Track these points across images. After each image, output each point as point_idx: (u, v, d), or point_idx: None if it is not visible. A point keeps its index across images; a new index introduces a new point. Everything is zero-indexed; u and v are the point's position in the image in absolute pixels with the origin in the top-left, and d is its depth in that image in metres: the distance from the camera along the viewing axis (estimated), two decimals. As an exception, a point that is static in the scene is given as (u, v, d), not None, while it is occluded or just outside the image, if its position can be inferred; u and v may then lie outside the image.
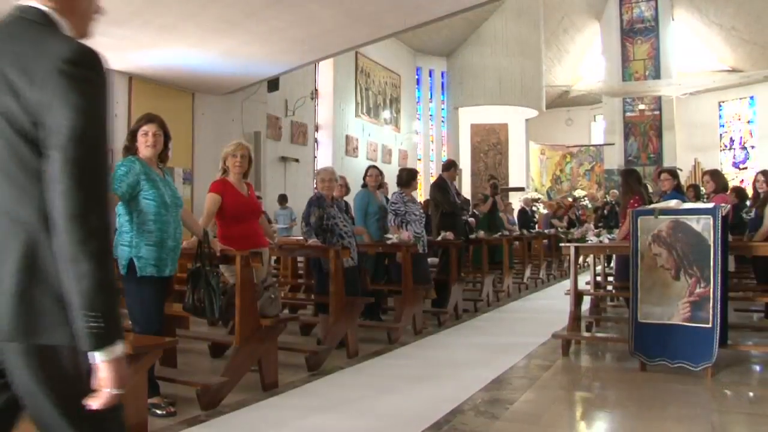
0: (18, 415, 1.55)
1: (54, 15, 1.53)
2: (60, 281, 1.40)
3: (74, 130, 1.38)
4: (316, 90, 16.58)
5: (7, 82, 1.41)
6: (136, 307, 3.75)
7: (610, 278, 8.94)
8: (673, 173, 7.37)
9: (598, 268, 8.29)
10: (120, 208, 3.74)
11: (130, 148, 3.89)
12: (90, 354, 1.39)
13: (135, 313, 3.75)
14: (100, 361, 1.39)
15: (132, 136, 3.91)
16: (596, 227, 13.24)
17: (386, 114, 19.49)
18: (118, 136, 11.51)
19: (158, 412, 3.66)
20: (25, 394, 1.46)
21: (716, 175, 7.72)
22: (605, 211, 12.42)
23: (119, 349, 1.41)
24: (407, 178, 7.15)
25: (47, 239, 1.41)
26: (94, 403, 1.42)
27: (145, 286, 3.71)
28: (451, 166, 8.27)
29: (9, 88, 1.41)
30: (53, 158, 1.38)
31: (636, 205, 6.67)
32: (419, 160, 21.34)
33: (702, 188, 11.12)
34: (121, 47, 9.50)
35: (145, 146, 3.88)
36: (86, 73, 1.42)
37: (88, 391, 1.42)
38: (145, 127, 3.89)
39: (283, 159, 14.93)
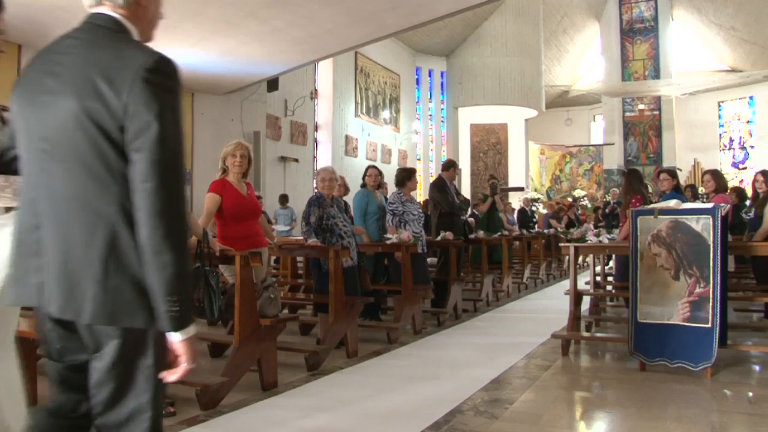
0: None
1: (125, 22, 1.69)
2: (138, 270, 1.56)
3: (157, 134, 1.53)
4: (315, 90, 16.58)
5: (95, 88, 1.54)
6: None
7: (610, 278, 8.94)
8: (672, 173, 7.36)
9: (598, 268, 8.29)
10: None
11: None
12: (170, 334, 1.58)
13: None
14: (178, 340, 1.59)
15: None
16: (596, 227, 13.23)
17: (386, 114, 19.49)
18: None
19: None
20: (101, 369, 1.61)
21: (717, 175, 7.72)
22: (606, 211, 12.43)
23: (192, 329, 1.60)
24: (402, 177, 7.15)
25: (126, 231, 1.56)
26: (172, 376, 1.62)
27: None
28: (450, 166, 8.26)
29: (96, 94, 1.54)
30: (138, 160, 1.53)
31: (638, 204, 6.68)
32: (419, 160, 21.34)
33: (701, 188, 11.14)
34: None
35: None
36: (166, 81, 1.58)
37: (154, 367, 1.61)
38: None
39: (283, 159, 14.93)
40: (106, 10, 1.67)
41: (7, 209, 1.85)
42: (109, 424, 1.63)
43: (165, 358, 1.64)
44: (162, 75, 1.58)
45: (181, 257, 1.56)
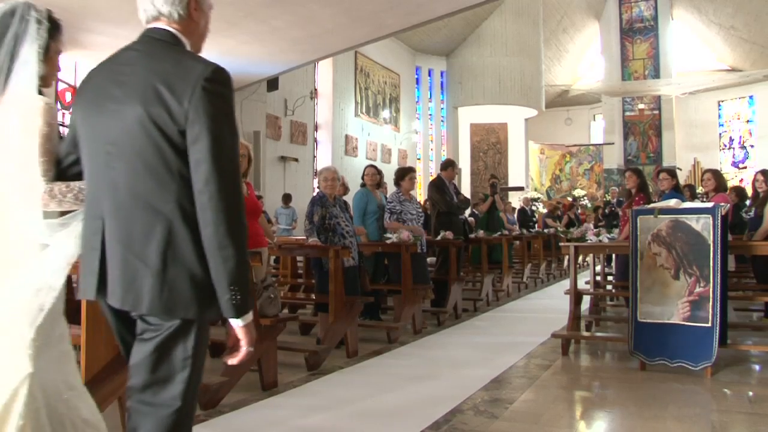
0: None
1: (180, 36, 1.88)
2: (193, 263, 1.70)
3: (216, 138, 1.67)
4: (315, 89, 16.58)
5: (158, 96, 1.69)
6: None
7: (610, 278, 8.94)
8: (672, 173, 7.37)
9: (598, 267, 8.29)
10: None
11: None
12: (231, 320, 1.73)
13: None
14: (239, 326, 1.74)
15: None
16: (596, 227, 13.22)
17: (386, 113, 19.49)
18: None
19: None
20: (152, 351, 1.73)
21: (717, 174, 7.72)
22: (606, 211, 12.39)
23: (251, 316, 1.75)
24: (396, 177, 7.17)
25: (183, 227, 1.69)
26: (234, 359, 1.79)
27: None
28: (448, 166, 8.27)
29: (160, 101, 1.69)
30: (199, 162, 1.67)
31: (642, 202, 6.69)
32: (419, 159, 21.35)
33: (699, 188, 11.13)
34: (120, 47, 9.51)
35: None
36: (222, 90, 1.74)
37: (193, 353, 1.74)
38: None
39: (283, 158, 14.93)
40: (162, 24, 1.86)
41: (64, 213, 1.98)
42: (146, 403, 1.73)
43: (204, 347, 1.79)
44: (219, 84, 1.74)
45: (241, 251, 1.71)
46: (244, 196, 1.84)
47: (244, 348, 1.77)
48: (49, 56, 2.09)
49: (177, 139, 1.69)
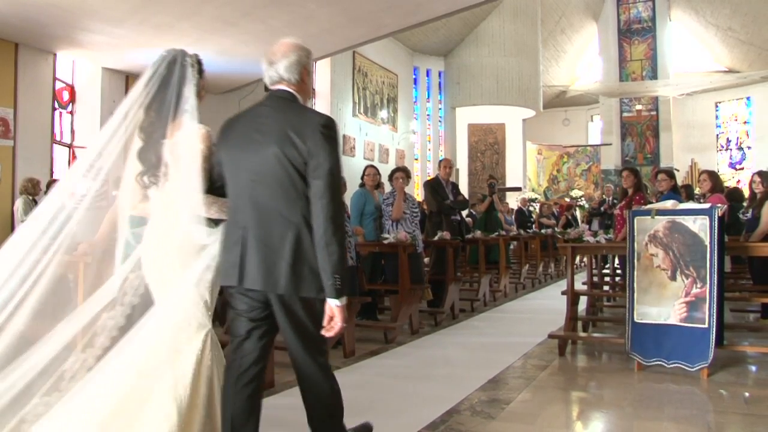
0: (273, 336, 2.59)
1: (296, 94, 2.59)
2: (312, 258, 2.39)
3: (329, 167, 2.39)
4: (313, 89, 16.56)
5: (289, 138, 2.41)
6: None
7: (607, 278, 8.95)
8: (670, 174, 7.37)
9: (595, 270, 8.29)
10: None
11: None
12: (331, 301, 2.37)
13: None
14: (336, 305, 2.38)
15: None
16: (588, 223, 13.17)
17: (383, 113, 19.47)
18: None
19: None
20: (294, 322, 2.45)
21: (713, 176, 7.73)
22: (602, 209, 12.28)
23: (345, 299, 2.39)
24: (389, 175, 7.20)
25: (306, 233, 2.40)
26: (330, 332, 2.41)
27: None
28: (439, 164, 8.32)
29: (290, 142, 2.40)
30: (317, 184, 2.37)
31: (641, 201, 6.69)
32: (416, 159, 21.33)
33: (696, 188, 11.13)
34: (118, 46, 9.49)
35: None
36: (332, 134, 2.44)
37: (319, 322, 2.41)
38: None
39: (280, 158, 14.91)
40: (284, 86, 2.58)
41: (213, 220, 2.59)
42: (300, 365, 2.49)
43: (321, 318, 2.41)
44: (330, 129, 2.44)
45: (342, 248, 2.39)
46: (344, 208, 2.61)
47: (338, 323, 2.40)
48: (199, 92, 2.65)
49: (302, 169, 2.40)
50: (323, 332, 2.42)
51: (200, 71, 2.70)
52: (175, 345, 2.38)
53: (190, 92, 2.58)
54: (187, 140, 2.52)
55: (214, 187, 2.61)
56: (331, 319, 2.40)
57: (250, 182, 2.46)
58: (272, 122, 2.48)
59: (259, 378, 2.52)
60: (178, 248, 2.47)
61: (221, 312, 5.23)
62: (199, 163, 2.51)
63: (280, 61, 2.57)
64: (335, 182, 2.40)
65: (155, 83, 2.56)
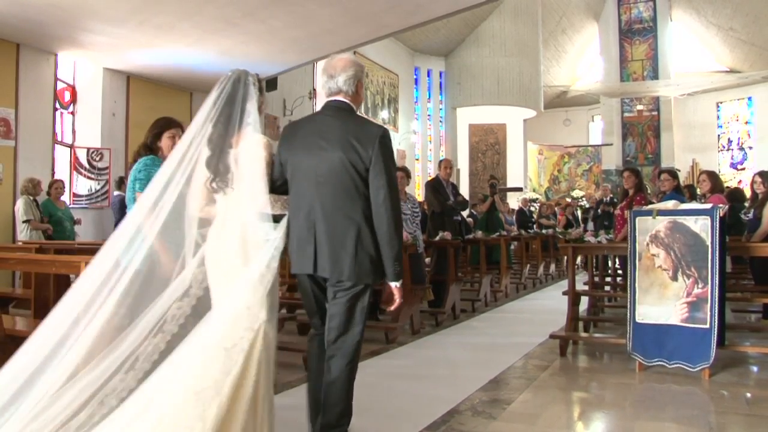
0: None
1: (351, 104, 2.98)
2: (371, 250, 2.84)
3: (387, 172, 2.83)
4: (314, 89, 16.57)
5: (351, 145, 2.82)
6: None
7: (608, 278, 8.95)
8: (673, 174, 7.38)
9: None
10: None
11: (153, 148, 3.99)
12: (392, 283, 2.89)
13: None
14: (396, 286, 2.90)
15: (157, 137, 4.00)
16: (583, 222, 13.09)
17: (384, 114, 19.47)
18: (116, 136, 11.46)
19: None
20: (341, 305, 2.86)
21: (713, 176, 7.73)
22: (599, 211, 12.11)
23: (400, 282, 2.91)
24: None
25: (366, 228, 2.83)
26: (391, 306, 2.95)
27: None
28: (439, 165, 8.32)
29: (353, 149, 2.82)
30: (378, 187, 2.82)
31: (642, 202, 6.69)
32: (417, 160, 21.33)
33: (697, 188, 11.10)
34: (119, 46, 9.49)
35: (171, 149, 4.05)
36: (389, 143, 2.90)
37: (367, 307, 2.90)
38: (172, 131, 4.01)
39: (281, 159, 14.91)
40: (341, 98, 2.97)
41: (276, 216, 2.89)
42: (338, 348, 2.86)
43: (368, 304, 2.90)
44: (387, 139, 2.90)
45: (400, 240, 2.87)
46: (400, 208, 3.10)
47: (397, 300, 2.94)
48: (259, 107, 2.91)
49: (363, 173, 2.82)
50: (383, 306, 3.03)
51: (260, 89, 2.96)
52: (231, 338, 2.55)
53: (252, 107, 2.87)
54: (251, 149, 2.82)
55: (275, 186, 3.00)
56: (391, 296, 2.94)
57: (316, 183, 2.85)
58: (335, 130, 2.87)
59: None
60: (244, 245, 2.70)
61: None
62: (263, 168, 2.83)
63: (340, 75, 2.95)
64: (393, 185, 2.87)
65: (222, 100, 2.87)
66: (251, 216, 2.74)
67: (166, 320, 2.66)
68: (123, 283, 2.59)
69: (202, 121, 2.86)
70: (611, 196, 12.09)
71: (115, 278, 2.60)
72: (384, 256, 2.85)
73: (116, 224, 10.02)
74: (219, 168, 2.82)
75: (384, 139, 2.85)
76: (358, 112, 3.03)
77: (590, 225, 12.89)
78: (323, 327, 2.96)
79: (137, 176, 3.87)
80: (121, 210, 9.73)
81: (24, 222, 8.24)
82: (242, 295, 2.59)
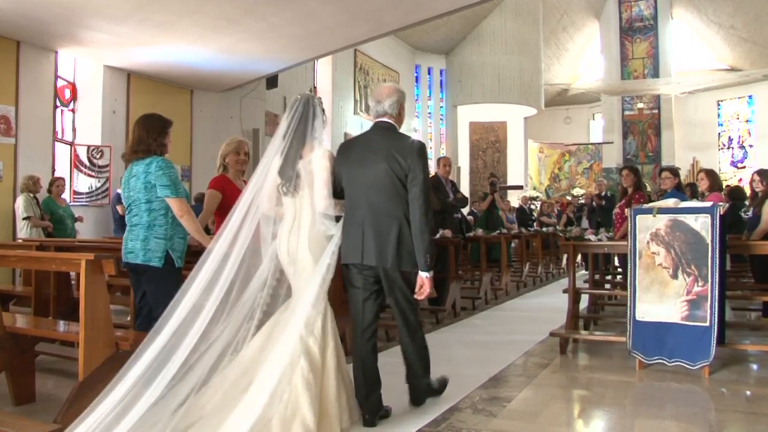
0: (381, 302, 3.65)
1: (394, 124, 3.64)
2: (409, 243, 3.41)
3: (423, 179, 3.41)
4: (314, 87, 16.56)
5: (394, 157, 3.44)
6: (174, 294, 3.84)
7: (608, 276, 8.95)
8: (674, 172, 7.37)
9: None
10: (154, 204, 3.84)
11: (161, 148, 3.98)
12: (422, 273, 3.41)
13: (165, 302, 3.83)
14: (426, 276, 3.41)
15: (164, 136, 4.00)
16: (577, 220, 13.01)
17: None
18: (117, 133, 11.44)
19: None
20: (396, 289, 3.52)
21: (711, 174, 7.73)
22: (593, 205, 11.94)
23: (431, 273, 3.42)
24: None
25: (406, 225, 3.42)
26: (421, 296, 3.46)
27: (178, 276, 3.84)
28: (438, 162, 8.31)
29: (395, 160, 3.44)
30: (414, 191, 3.41)
31: (641, 200, 6.69)
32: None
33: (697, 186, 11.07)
34: (120, 44, 9.48)
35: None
36: (424, 153, 3.51)
37: (413, 289, 3.48)
38: (170, 130, 4.08)
39: (282, 156, 14.90)
40: (386, 119, 3.63)
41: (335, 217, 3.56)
42: (399, 316, 3.59)
43: (414, 285, 3.48)
44: (423, 151, 3.51)
45: (430, 234, 3.43)
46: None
47: (427, 290, 3.44)
48: (323, 124, 3.54)
49: (403, 179, 3.44)
50: (415, 296, 3.50)
51: (323, 109, 3.63)
52: (312, 317, 3.26)
53: (318, 125, 3.54)
54: (318, 159, 3.47)
55: (336, 192, 3.58)
56: (422, 286, 3.44)
57: (366, 188, 3.48)
58: (381, 146, 3.51)
59: (375, 331, 3.59)
60: (312, 240, 3.40)
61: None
62: (328, 175, 3.47)
63: (386, 101, 3.62)
64: (427, 189, 3.47)
65: (296, 119, 3.50)
66: (318, 215, 3.43)
67: (254, 308, 3.30)
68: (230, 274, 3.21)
69: (281, 136, 3.48)
70: (605, 191, 11.93)
71: (227, 271, 3.21)
72: (416, 249, 3.41)
73: (116, 222, 10.02)
74: (289, 174, 3.44)
75: (420, 151, 3.47)
76: (401, 130, 3.71)
77: (584, 222, 12.84)
78: (363, 322, 3.57)
79: (159, 182, 3.82)
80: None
81: (24, 219, 8.25)
82: (316, 283, 3.29)
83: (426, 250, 3.38)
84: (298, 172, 3.44)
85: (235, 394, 3.06)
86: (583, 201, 15.41)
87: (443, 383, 3.96)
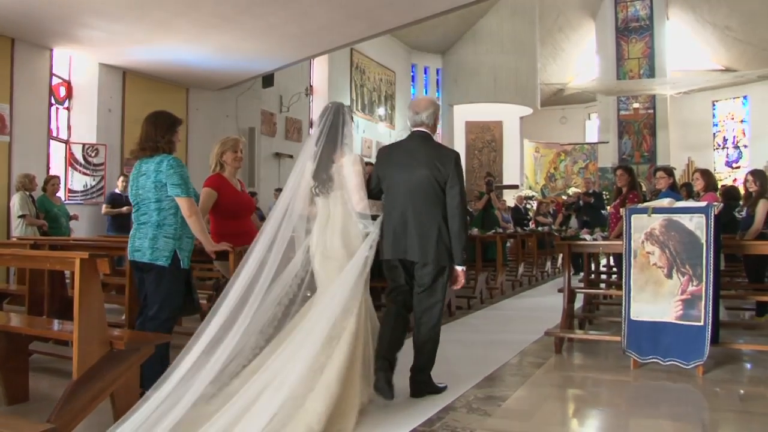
0: (412, 293, 3.99)
1: (431, 134, 4.03)
2: (447, 241, 3.83)
3: (460, 185, 3.87)
4: (310, 86, 16.56)
5: (435, 165, 3.85)
6: (178, 296, 3.84)
7: (603, 276, 8.97)
8: (668, 171, 7.39)
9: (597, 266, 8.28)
10: (164, 203, 3.83)
11: (170, 146, 3.95)
12: (458, 267, 3.91)
13: (171, 300, 3.87)
14: (461, 270, 3.92)
15: (172, 134, 3.97)
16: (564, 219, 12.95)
17: (381, 111, 19.46)
18: (112, 132, 11.41)
19: None
20: (426, 283, 3.89)
21: (706, 174, 7.75)
22: (580, 203, 11.79)
23: (463, 266, 3.91)
24: None
25: (444, 225, 3.84)
26: (457, 286, 4.03)
27: (181, 277, 3.86)
28: None
29: (436, 167, 3.85)
30: (453, 195, 3.84)
31: (636, 200, 6.70)
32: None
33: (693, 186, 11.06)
34: (115, 42, 9.46)
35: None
36: (460, 162, 3.95)
37: (447, 282, 3.93)
38: (178, 127, 4.07)
39: (278, 155, 14.90)
40: (423, 129, 4.02)
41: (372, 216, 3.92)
42: (425, 308, 3.93)
43: (449, 280, 3.94)
44: (459, 160, 3.95)
45: (466, 234, 3.87)
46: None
47: (461, 281, 3.98)
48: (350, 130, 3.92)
49: (442, 184, 3.86)
50: (452, 286, 4.03)
51: (351, 117, 4.00)
52: (349, 307, 3.59)
53: (348, 131, 3.88)
54: (350, 164, 3.81)
55: (372, 193, 3.99)
56: (457, 278, 3.96)
57: (408, 191, 3.87)
58: (422, 153, 3.92)
59: (406, 317, 3.98)
60: (346, 236, 3.77)
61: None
62: (362, 179, 3.82)
63: (423, 112, 4.02)
64: (463, 194, 3.90)
65: (327, 126, 3.82)
66: (355, 215, 3.80)
67: (286, 294, 3.63)
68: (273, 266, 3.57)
69: (314, 142, 3.83)
70: (594, 189, 11.85)
71: (269, 264, 3.55)
72: (453, 247, 3.85)
73: (108, 221, 9.96)
74: (323, 177, 3.79)
75: (458, 161, 3.93)
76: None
77: (573, 222, 12.80)
78: (400, 304, 3.97)
79: (170, 181, 3.80)
80: (113, 207, 9.71)
81: (19, 217, 8.22)
82: (354, 273, 3.63)
83: (462, 247, 3.83)
84: (331, 176, 3.79)
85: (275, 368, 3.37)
86: (566, 199, 15.31)
87: (443, 387, 4.11)
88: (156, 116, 4.02)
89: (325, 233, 3.77)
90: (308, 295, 3.76)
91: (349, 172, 3.78)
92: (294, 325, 3.60)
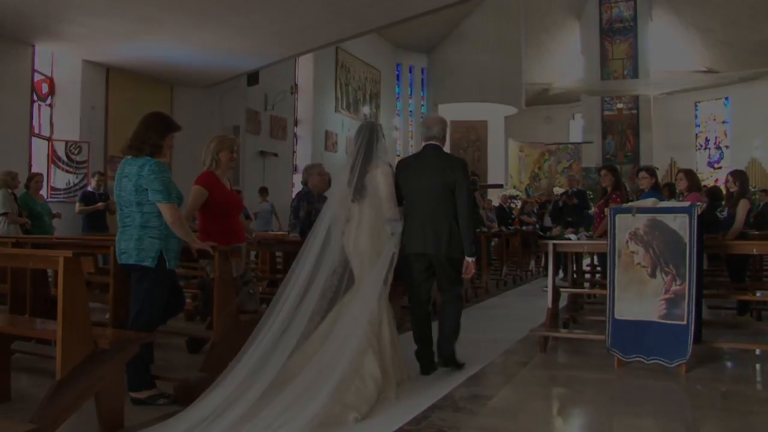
0: (432, 284, 4.72)
1: (441, 146, 4.66)
2: (458, 236, 4.43)
3: (467, 188, 4.51)
4: (295, 84, 16.51)
5: (446, 171, 4.48)
6: (159, 297, 3.79)
7: (588, 275, 9.02)
8: (651, 172, 7.43)
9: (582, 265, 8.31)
10: (146, 207, 3.75)
11: (155, 149, 3.85)
12: (468, 258, 4.48)
13: (152, 301, 3.81)
14: (471, 261, 4.50)
15: (162, 137, 3.88)
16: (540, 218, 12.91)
17: (366, 109, 19.45)
18: (96, 129, 11.29)
19: (161, 401, 3.78)
20: (444, 271, 4.53)
21: (690, 174, 7.80)
22: (560, 203, 11.67)
23: (474, 258, 4.53)
24: None
25: (455, 223, 4.45)
26: (467, 275, 4.61)
27: (168, 278, 3.82)
28: None
29: (446, 174, 4.47)
30: (460, 195, 4.45)
31: (619, 200, 6.73)
32: (398, 156, 21.34)
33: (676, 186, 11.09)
34: (98, 38, 9.37)
35: (169, 150, 4.09)
36: (467, 168, 4.64)
37: (460, 271, 4.55)
38: (174, 134, 3.99)
39: (262, 153, 14.85)
40: (434, 141, 4.60)
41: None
42: (449, 286, 4.58)
43: (461, 267, 4.51)
44: (465, 166, 4.60)
45: (474, 230, 4.50)
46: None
47: (472, 270, 4.51)
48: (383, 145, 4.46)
49: (453, 189, 4.42)
50: (463, 275, 4.55)
51: (383, 134, 4.53)
52: (375, 299, 4.09)
53: (381, 146, 4.43)
54: (382, 175, 4.31)
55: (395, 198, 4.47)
56: (467, 267, 4.49)
57: (425, 195, 4.47)
58: (434, 163, 4.51)
59: (428, 308, 4.67)
60: (376, 237, 4.27)
61: (204, 306, 5.21)
62: (392, 188, 4.37)
63: (434, 128, 4.61)
64: (471, 196, 4.57)
65: (364, 141, 4.36)
66: (385, 220, 4.33)
67: (328, 287, 4.10)
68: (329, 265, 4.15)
69: (353, 155, 4.36)
70: (577, 187, 11.76)
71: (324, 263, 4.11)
72: (464, 240, 4.41)
73: (83, 220, 9.71)
74: (357, 186, 4.28)
75: (464, 168, 4.54)
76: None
77: (547, 220, 12.75)
78: (421, 297, 4.60)
79: (151, 186, 3.71)
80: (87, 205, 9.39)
81: (1, 215, 8.10)
82: (382, 269, 4.15)
83: (472, 241, 4.41)
84: (365, 184, 4.28)
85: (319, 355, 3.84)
86: (538, 196, 15.12)
87: (462, 364, 4.66)
88: (152, 116, 3.94)
89: (358, 234, 4.25)
90: (345, 287, 4.24)
91: (381, 181, 4.30)
92: (339, 310, 4.12)
